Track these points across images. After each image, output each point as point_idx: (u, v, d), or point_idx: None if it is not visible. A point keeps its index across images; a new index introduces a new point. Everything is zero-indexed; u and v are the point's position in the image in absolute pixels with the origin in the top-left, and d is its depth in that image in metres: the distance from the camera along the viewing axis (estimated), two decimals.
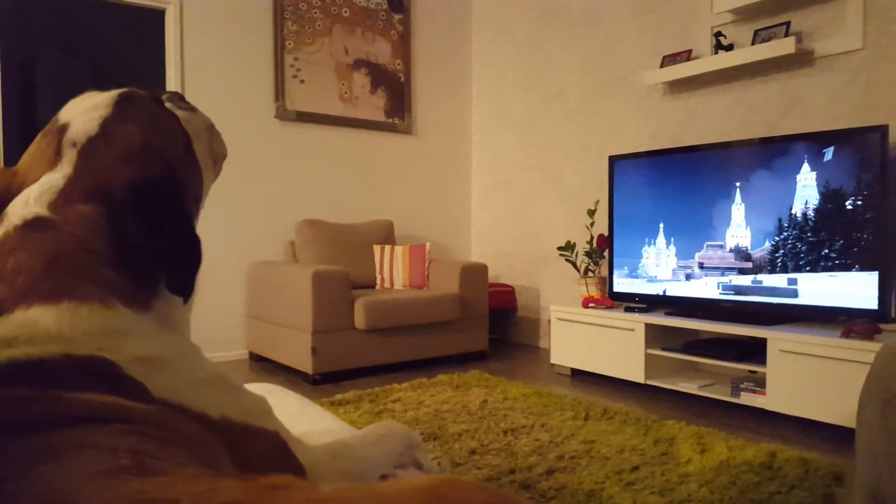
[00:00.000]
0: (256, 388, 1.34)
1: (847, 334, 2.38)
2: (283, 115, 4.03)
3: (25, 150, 0.79)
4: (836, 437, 2.35)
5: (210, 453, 0.59)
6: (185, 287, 0.71)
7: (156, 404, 0.60)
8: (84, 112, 0.76)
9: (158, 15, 3.74)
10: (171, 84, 3.70)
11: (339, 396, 2.78)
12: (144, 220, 0.68)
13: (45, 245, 0.64)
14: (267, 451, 0.71)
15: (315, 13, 4.14)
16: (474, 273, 3.81)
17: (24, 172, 0.74)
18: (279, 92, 4.01)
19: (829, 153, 2.58)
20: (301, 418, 1.10)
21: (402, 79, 4.55)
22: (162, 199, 0.71)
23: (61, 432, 0.51)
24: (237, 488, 0.47)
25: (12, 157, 3.82)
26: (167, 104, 0.86)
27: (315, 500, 0.46)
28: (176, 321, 0.75)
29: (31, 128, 4.96)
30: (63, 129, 0.74)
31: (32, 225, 0.66)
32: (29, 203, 0.68)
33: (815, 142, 2.62)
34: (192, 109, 0.90)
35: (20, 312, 0.60)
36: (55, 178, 0.70)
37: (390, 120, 4.51)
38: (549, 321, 3.55)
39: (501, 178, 4.70)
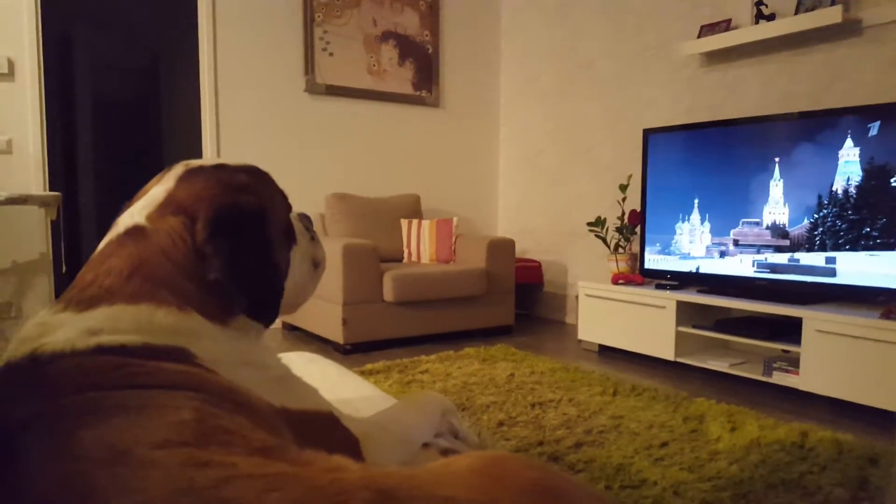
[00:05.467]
0: (296, 356, 1.36)
1: (887, 315, 2.32)
2: (313, 88, 4.03)
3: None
4: (871, 419, 2.32)
5: (273, 425, 0.61)
6: (262, 314, 0.76)
7: None
8: (212, 158, 0.83)
9: None
10: (203, 57, 3.72)
11: (369, 366, 2.82)
12: (225, 242, 0.73)
13: (133, 252, 0.71)
14: (322, 427, 0.75)
15: None
16: (501, 248, 3.80)
17: (146, 189, 0.81)
18: (309, 65, 4.01)
19: (874, 128, 2.49)
20: (342, 386, 1.12)
21: (430, 50, 4.50)
22: (246, 229, 0.75)
23: (138, 392, 0.55)
24: (292, 468, 0.49)
25: (53, 132, 3.90)
26: (294, 215, 0.92)
27: (375, 476, 0.47)
28: (253, 336, 0.79)
29: (70, 99, 5.03)
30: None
31: (130, 233, 0.73)
32: (133, 214, 0.75)
33: (860, 116, 2.53)
34: (312, 238, 0.94)
35: (104, 308, 0.65)
36: (158, 191, 0.77)
37: (418, 93, 4.48)
38: (577, 297, 3.53)
39: (530, 151, 4.65)
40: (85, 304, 0.65)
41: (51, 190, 3.49)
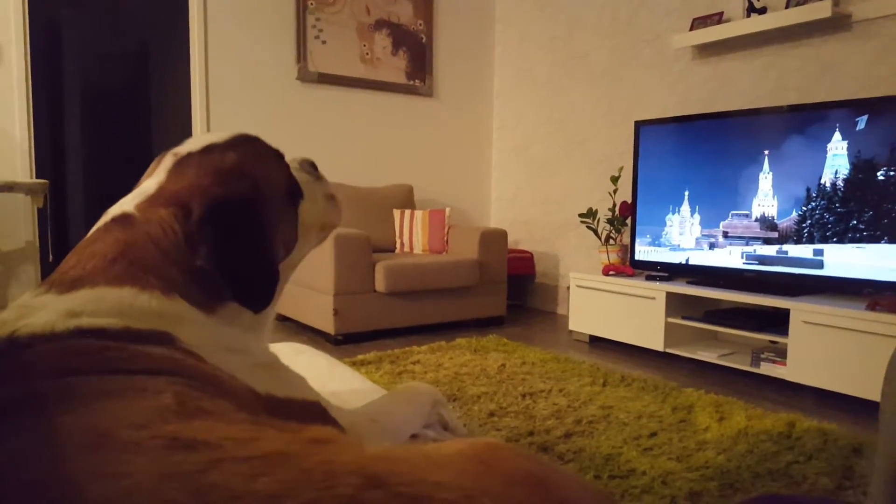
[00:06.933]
0: (285, 347, 1.37)
1: (873, 307, 2.35)
2: (305, 76, 4.01)
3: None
4: (856, 409, 2.35)
5: (255, 409, 0.61)
6: (252, 301, 0.75)
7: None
8: (201, 138, 0.83)
9: None
10: (194, 44, 3.69)
11: (360, 357, 2.83)
12: (215, 233, 0.72)
13: (120, 238, 0.70)
14: (309, 417, 0.75)
15: None
16: (494, 239, 3.81)
17: (141, 182, 0.82)
18: (301, 53, 3.98)
19: (862, 122, 2.51)
20: (331, 378, 1.13)
21: (424, 39, 4.48)
22: (237, 219, 0.74)
23: (117, 377, 0.54)
24: (280, 439, 0.48)
25: (41, 118, 3.86)
26: (294, 164, 0.92)
27: (364, 457, 0.47)
28: (247, 323, 0.78)
29: (57, 85, 4.98)
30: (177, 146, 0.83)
31: (117, 220, 0.73)
32: (123, 204, 0.75)
33: (848, 109, 2.55)
34: (318, 178, 0.95)
35: (86, 290, 0.64)
36: (150, 184, 0.77)
37: (411, 82, 4.46)
38: (568, 288, 3.55)
39: (523, 142, 4.65)
40: (67, 287, 0.64)
41: (38, 177, 3.46)
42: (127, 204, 0.75)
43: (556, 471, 0.54)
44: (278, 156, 0.88)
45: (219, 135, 0.84)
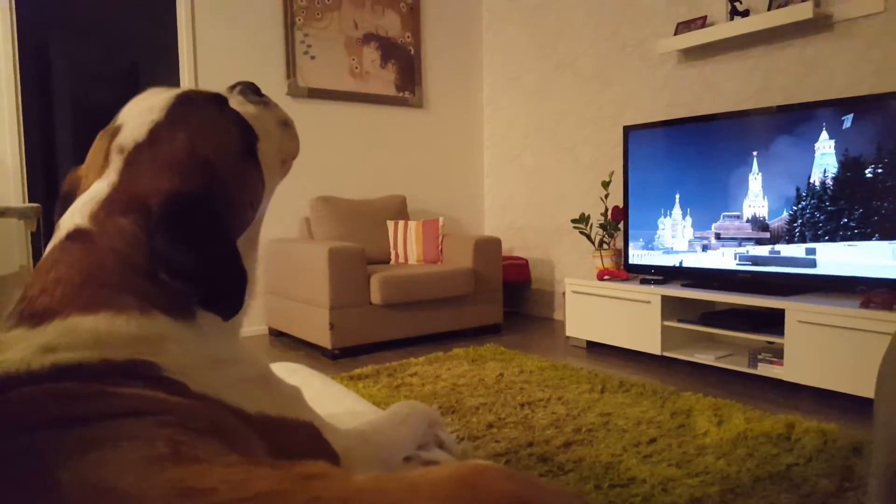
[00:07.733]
0: (279, 367, 1.36)
1: (866, 304, 2.36)
2: (295, 91, 4.02)
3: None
4: (854, 408, 2.36)
5: (245, 443, 0.61)
6: (218, 306, 0.70)
7: (195, 398, 0.62)
8: (138, 115, 0.75)
9: None
10: (184, 62, 3.69)
11: (357, 371, 2.82)
12: (176, 236, 0.67)
13: (83, 257, 0.66)
14: (303, 440, 0.73)
15: None
16: (488, 247, 3.82)
17: (84, 175, 0.75)
18: (290, 69, 3.99)
19: (848, 120, 2.53)
20: (325, 398, 1.12)
21: (412, 52, 4.50)
22: (197, 217, 0.69)
23: (104, 424, 0.53)
24: (272, 477, 0.49)
25: (32, 142, 3.86)
26: (236, 98, 0.85)
27: (350, 490, 0.47)
28: (224, 329, 0.74)
29: (48, 108, 4.98)
30: (117, 131, 0.75)
31: (73, 237, 0.67)
32: (74, 214, 0.69)
33: (834, 109, 2.57)
34: (266, 104, 0.87)
35: (59, 322, 0.61)
36: (101, 188, 0.71)
37: (401, 94, 4.47)
38: (564, 294, 3.55)
39: (514, 149, 4.66)
40: (37, 319, 0.61)
41: (30, 201, 3.45)
42: (79, 215, 0.69)
43: (545, 491, 0.54)
44: (222, 105, 0.81)
45: (156, 104, 0.76)
